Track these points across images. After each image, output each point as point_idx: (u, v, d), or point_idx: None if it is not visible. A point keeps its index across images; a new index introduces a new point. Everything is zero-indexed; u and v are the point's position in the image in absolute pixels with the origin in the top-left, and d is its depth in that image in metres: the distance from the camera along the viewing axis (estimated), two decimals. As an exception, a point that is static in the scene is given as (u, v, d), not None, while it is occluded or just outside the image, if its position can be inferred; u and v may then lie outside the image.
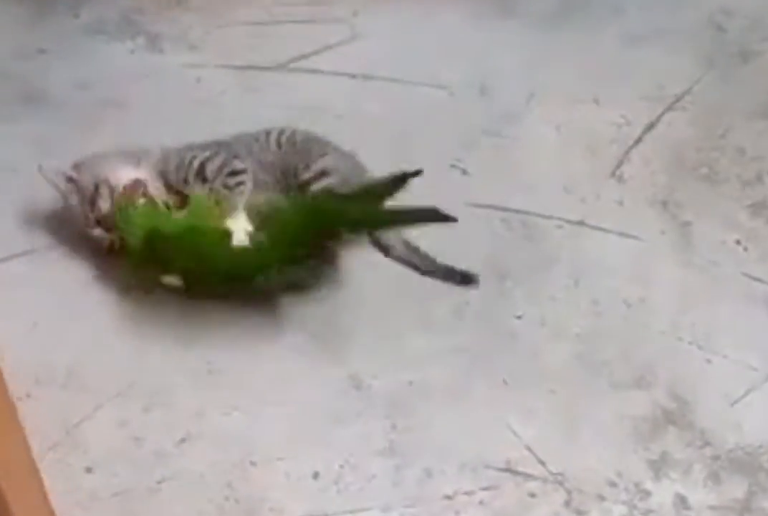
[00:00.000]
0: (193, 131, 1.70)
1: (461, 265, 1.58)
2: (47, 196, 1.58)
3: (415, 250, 1.58)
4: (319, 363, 1.45)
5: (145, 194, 1.51)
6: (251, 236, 1.49)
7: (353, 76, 1.85)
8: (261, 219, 1.50)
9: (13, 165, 1.64)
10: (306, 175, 1.54)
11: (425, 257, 1.57)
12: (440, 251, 1.59)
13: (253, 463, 1.36)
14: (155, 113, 1.73)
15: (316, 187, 1.53)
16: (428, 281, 1.56)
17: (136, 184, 1.51)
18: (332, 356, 1.46)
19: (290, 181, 1.55)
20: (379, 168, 1.69)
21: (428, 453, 1.38)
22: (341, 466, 1.37)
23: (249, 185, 1.53)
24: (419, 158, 1.73)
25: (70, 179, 1.53)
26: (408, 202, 1.65)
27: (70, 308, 1.49)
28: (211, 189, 1.52)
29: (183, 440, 1.38)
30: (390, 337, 1.49)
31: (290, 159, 1.57)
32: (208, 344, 1.45)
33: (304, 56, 1.88)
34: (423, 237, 1.60)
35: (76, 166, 1.55)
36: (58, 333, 1.47)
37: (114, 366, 1.44)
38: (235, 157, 1.56)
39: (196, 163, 1.54)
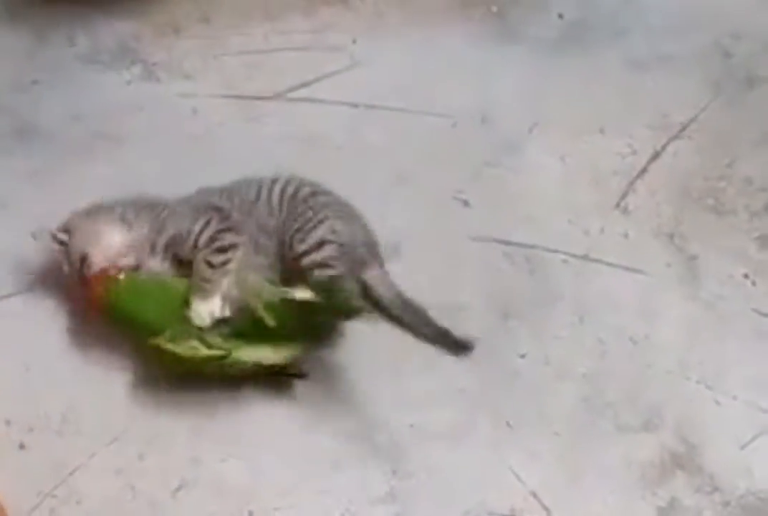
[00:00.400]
0: (189, 165, 1.68)
1: (462, 298, 1.55)
2: (36, 233, 1.55)
3: (410, 306, 1.50)
4: (317, 406, 1.42)
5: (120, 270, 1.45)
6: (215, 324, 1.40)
7: (354, 106, 1.82)
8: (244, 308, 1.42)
9: (5, 201, 1.61)
10: (301, 248, 1.46)
11: (421, 315, 1.49)
12: (440, 287, 1.56)
13: (251, 513, 1.33)
14: (151, 146, 1.70)
15: (316, 274, 1.44)
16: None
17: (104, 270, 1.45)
18: (330, 399, 1.43)
19: (285, 252, 1.48)
20: (380, 201, 1.68)
21: (430, 500, 1.35)
22: (341, 515, 1.33)
23: (233, 265, 1.45)
24: (420, 190, 1.71)
25: (61, 242, 1.48)
26: (409, 235, 1.64)
27: (62, 351, 1.46)
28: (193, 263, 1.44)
29: (179, 488, 1.34)
30: (390, 379, 1.46)
31: (289, 225, 1.49)
32: (203, 389, 1.42)
33: (303, 85, 1.85)
34: (422, 272, 1.58)
35: (66, 230, 1.49)
36: (52, 377, 1.44)
37: (109, 411, 1.41)
38: (229, 229, 1.48)
39: (191, 238, 1.46)
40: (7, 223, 1.58)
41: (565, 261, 1.62)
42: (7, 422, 1.40)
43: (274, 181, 1.55)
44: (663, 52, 1.94)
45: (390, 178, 1.72)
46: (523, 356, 1.50)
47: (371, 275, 1.50)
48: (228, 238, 1.46)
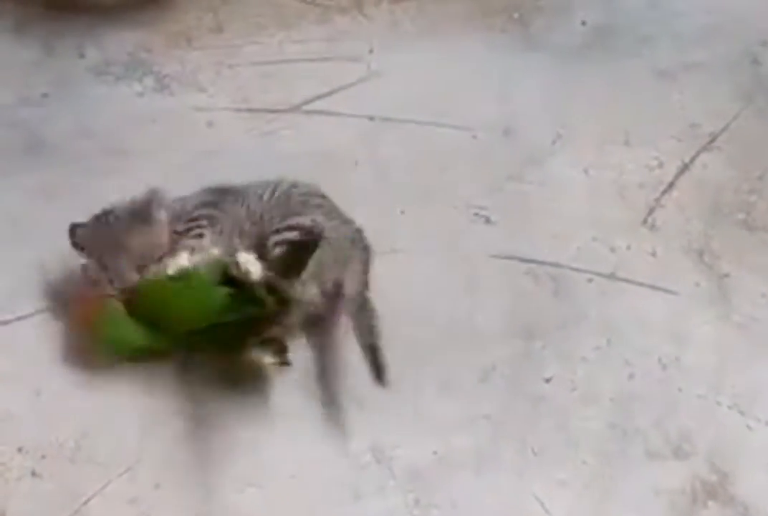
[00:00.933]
0: (203, 180, 1.62)
1: (484, 321, 1.50)
2: (50, 253, 1.52)
3: (365, 309, 1.43)
4: (337, 433, 1.38)
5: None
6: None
7: (371, 118, 1.77)
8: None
9: (17, 218, 1.57)
10: (275, 227, 1.44)
11: (369, 322, 1.42)
12: (460, 307, 1.52)
13: (267, 545, 1.29)
14: (164, 161, 1.66)
15: (275, 238, 1.42)
16: (452, 343, 1.48)
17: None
18: (351, 426, 1.39)
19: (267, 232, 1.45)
20: (398, 217, 1.63)
21: (453, 532, 1.31)
22: (361, 548, 1.29)
23: (206, 233, 1.44)
24: (440, 205, 1.67)
25: (81, 249, 1.44)
26: (430, 254, 1.59)
27: (73, 375, 1.42)
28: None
29: (194, 519, 1.31)
30: (412, 405, 1.41)
31: (275, 211, 1.47)
32: (218, 415, 1.37)
33: (319, 97, 1.80)
34: (441, 292, 1.53)
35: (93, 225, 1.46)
36: (64, 403, 1.40)
37: (123, 439, 1.37)
38: (208, 204, 1.47)
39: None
40: (19, 241, 1.54)
41: (590, 280, 1.57)
42: (19, 449, 1.36)
43: (278, 184, 1.52)
44: (690, 60, 1.89)
45: (408, 194, 1.67)
46: (548, 380, 1.45)
47: (348, 269, 1.47)
48: (200, 211, 1.45)
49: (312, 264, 1.39)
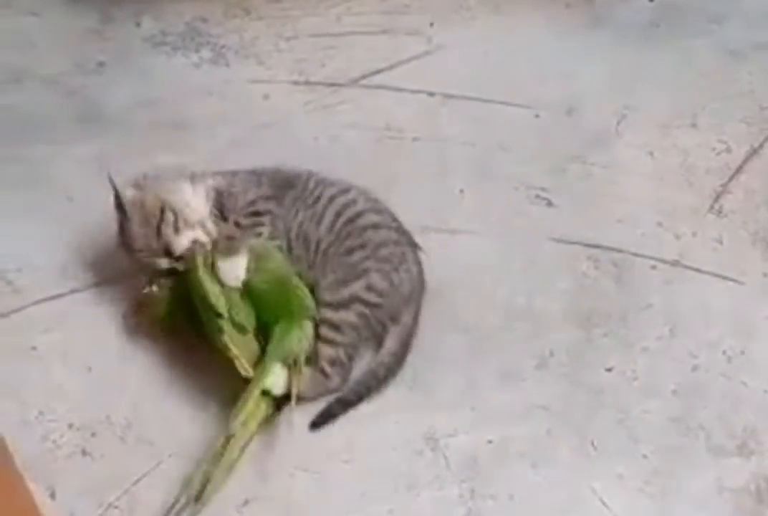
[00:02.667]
0: (259, 153, 1.60)
1: (543, 306, 1.46)
2: (104, 226, 1.50)
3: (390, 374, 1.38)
4: (392, 420, 1.35)
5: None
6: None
7: (431, 94, 1.73)
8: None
9: (69, 191, 1.55)
10: (328, 298, 1.37)
11: (368, 390, 1.36)
12: (520, 292, 1.48)
13: (319, 531, 1.27)
14: (220, 134, 1.63)
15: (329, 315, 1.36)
16: (510, 328, 1.45)
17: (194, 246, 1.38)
18: (406, 413, 1.36)
19: (316, 282, 1.39)
20: (456, 196, 1.59)
21: (509, 524, 1.28)
22: (414, 537, 1.27)
23: (264, 230, 1.38)
24: (500, 186, 1.62)
25: (134, 200, 1.39)
26: (488, 236, 1.55)
27: (124, 351, 1.40)
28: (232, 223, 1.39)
29: (245, 503, 1.28)
30: (468, 392, 1.38)
31: (332, 254, 1.39)
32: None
33: (378, 71, 1.76)
34: (500, 275, 1.49)
35: (137, 185, 1.42)
36: (115, 380, 1.38)
37: (174, 418, 1.35)
38: (270, 198, 1.40)
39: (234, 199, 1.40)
40: (73, 215, 1.52)
41: (654, 267, 1.52)
42: (70, 426, 1.34)
43: (340, 193, 1.43)
44: (761, 40, 1.82)
45: (467, 173, 1.63)
46: (609, 370, 1.41)
47: (392, 330, 1.40)
48: (263, 205, 1.39)
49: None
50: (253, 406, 1.31)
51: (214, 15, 1.81)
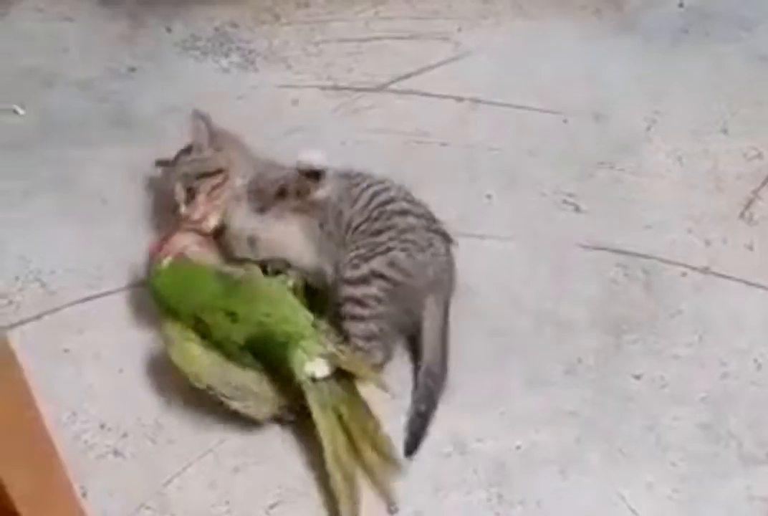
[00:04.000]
0: (289, 157, 1.59)
1: (571, 312, 1.46)
2: (135, 229, 1.52)
3: (438, 366, 1.37)
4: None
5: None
6: None
7: (459, 99, 1.73)
8: None
9: (104, 195, 1.57)
10: (348, 274, 1.36)
11: (432, 398, 1.35)
12: (546, 297, 1.48)
13: (346, 535, 1.27)
14: (249, 138, 1.63)
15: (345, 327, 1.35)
16: (538, 333, 1.45)
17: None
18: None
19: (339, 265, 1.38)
20: (483, 201, 1.59)
21: (538, 530, 1.28)
22: (441, 542, 1.27)
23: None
24: (528, 191, 1.62)
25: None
26: (516, 241, 1.55)
27: (156, 353, 1.40)
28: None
29: (274, 505, 1.29)
30: (497, 397, 1.38)
31: (359, 233, 1.39)
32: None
33: (406, 76, 1.76)
34: (527, 281, 1.49)
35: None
36: (145, 381, 1.39)
37: (204, 420, 1.35)
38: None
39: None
40: (108, 217, 1.53)
41: (684, 274, 1.52)
42: (102, 426, 1.35)
43: (377, 182, 1.44)
44: (792, 46, 1.82)
45: (495, 177, 1.63)
46: (638, 377, 1.41)
47: (425, 313, 1.39)
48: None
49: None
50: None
51: (244, 20, 1.82)
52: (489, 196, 1.61)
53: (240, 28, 1.81)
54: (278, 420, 1.34)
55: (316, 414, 1.29)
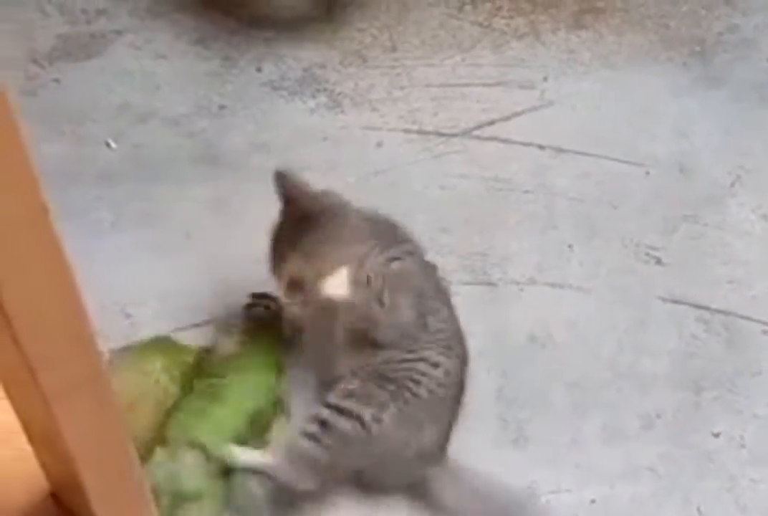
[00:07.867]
0: (371, 200, 1.61)
1: (650, 365, 1.45)
2: (217, 266, 1.54)
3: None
4: (494, 474, 1.34)
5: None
6: None
7: (542, 148, 1.74)
8: None
9: (188, 230, 1.59)
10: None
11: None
12: (626, 351, 1.47)
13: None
14: (332, 180, 1.65)
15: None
16: (616, 386, 1.43)
17: None
18: (508, 466, 1.35)
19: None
20: (563, 250, 1.59)
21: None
22: None
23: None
24: (609, 243, 1.62)
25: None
26: (597, 292, 1.54)
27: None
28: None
29: None
30: (572, 448, 1.37)
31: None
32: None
33: (490, 122, 1.77)
34: (605, 334, 1.48)
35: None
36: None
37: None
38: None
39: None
40: (192, 252, 1.56)
41: (765, 332, 1.50)
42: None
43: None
44: None
45: (576, 228, 1.63)
46: (717, 435, 1.39)
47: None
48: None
49: None
50: None
51: (332, 62, 1.85)
52: (570, 246, 1.61)
53: (328, 70, 1.84)
54: None
55: None
